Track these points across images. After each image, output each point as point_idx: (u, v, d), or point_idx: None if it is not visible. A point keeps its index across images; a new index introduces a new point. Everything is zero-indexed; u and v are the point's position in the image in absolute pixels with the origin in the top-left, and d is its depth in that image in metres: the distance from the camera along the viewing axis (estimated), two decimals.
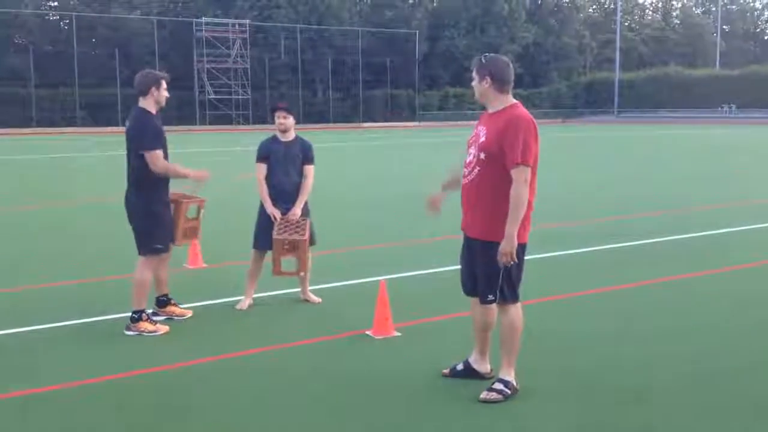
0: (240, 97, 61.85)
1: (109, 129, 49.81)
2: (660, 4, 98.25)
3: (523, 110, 4.57)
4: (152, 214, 6.08)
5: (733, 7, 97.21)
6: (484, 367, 4.97)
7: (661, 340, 5.78)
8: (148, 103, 6.10)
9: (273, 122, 6.86)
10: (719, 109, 65.82)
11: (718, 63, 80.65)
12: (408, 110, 68.86)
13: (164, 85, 6.14)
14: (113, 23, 61.17)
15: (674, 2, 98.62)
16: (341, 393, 4.82)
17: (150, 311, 6.31)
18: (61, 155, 29.70)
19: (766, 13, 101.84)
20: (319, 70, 66.59)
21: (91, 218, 12.59)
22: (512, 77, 4.71)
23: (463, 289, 4.93)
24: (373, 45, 68.50)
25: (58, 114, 55.75)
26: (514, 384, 4.69)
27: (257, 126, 58.75)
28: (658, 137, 40.38)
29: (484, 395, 4.62)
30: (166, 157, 6.12)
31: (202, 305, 6.88)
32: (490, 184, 4.52)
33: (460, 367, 5.01)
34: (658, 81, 73.56)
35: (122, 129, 6.52)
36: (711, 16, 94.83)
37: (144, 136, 5.97)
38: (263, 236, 6.78)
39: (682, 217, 12.21)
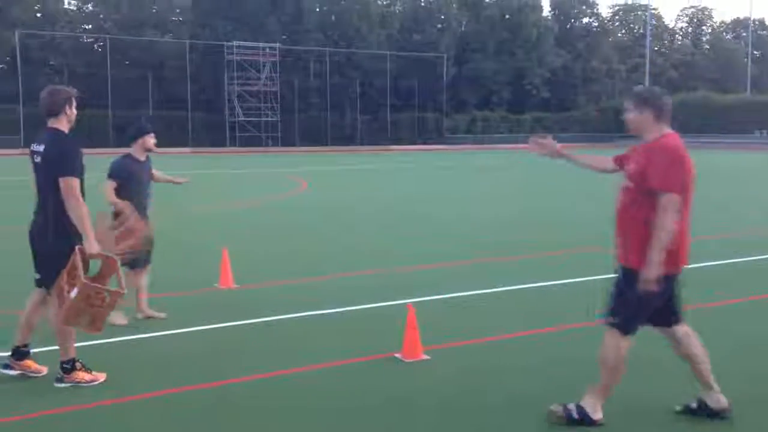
0: (269, 119, 62.35)
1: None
2: (690, 29, 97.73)
3: (672, 139, 4.53)
4: (72, 251, 5.13)
5: (764, 32, 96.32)
6: (714, 400, 4.70)
7: None
8: (61, 124, 5.33)
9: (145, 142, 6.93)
10: (754, 134, 65.30)
11: (749, 88, 79.90)
12: (436, 133, 69.01)
13: (74, 102, 5.41)
14: (146, 46, 62.14)
15: (704, 27, 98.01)
16: (371, 414, 4.83)
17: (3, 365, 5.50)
18: None
19: None
20: (347, 93, 67.03)
21: None
22: (670, 108, 4.66)
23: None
24: (402, 68, 68.85)
25: (91, 135, 56.48)
26: (589, 413, 4.54)
27: (286, 148, 59.21)
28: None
29: (554, 406, 4.62)
30: (82, 187, 5.24)
31: (232, 325, 6.94)
32: (638, 213, 4.48)
33: (693, 405, 4.76)
34: (688, 106, 72.90)
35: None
36: (741, 42, 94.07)
37: (65, 160, 5.17)
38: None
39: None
